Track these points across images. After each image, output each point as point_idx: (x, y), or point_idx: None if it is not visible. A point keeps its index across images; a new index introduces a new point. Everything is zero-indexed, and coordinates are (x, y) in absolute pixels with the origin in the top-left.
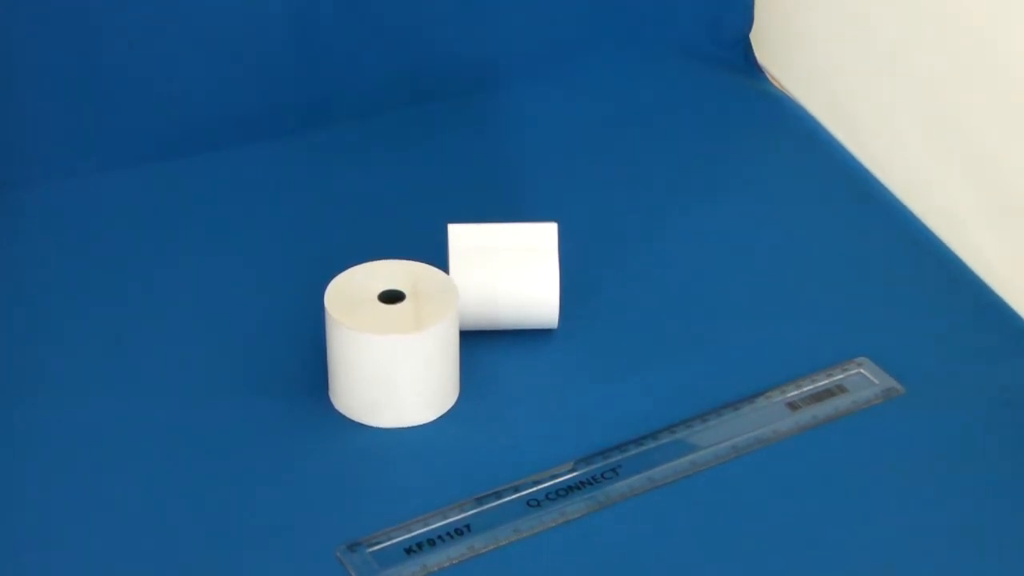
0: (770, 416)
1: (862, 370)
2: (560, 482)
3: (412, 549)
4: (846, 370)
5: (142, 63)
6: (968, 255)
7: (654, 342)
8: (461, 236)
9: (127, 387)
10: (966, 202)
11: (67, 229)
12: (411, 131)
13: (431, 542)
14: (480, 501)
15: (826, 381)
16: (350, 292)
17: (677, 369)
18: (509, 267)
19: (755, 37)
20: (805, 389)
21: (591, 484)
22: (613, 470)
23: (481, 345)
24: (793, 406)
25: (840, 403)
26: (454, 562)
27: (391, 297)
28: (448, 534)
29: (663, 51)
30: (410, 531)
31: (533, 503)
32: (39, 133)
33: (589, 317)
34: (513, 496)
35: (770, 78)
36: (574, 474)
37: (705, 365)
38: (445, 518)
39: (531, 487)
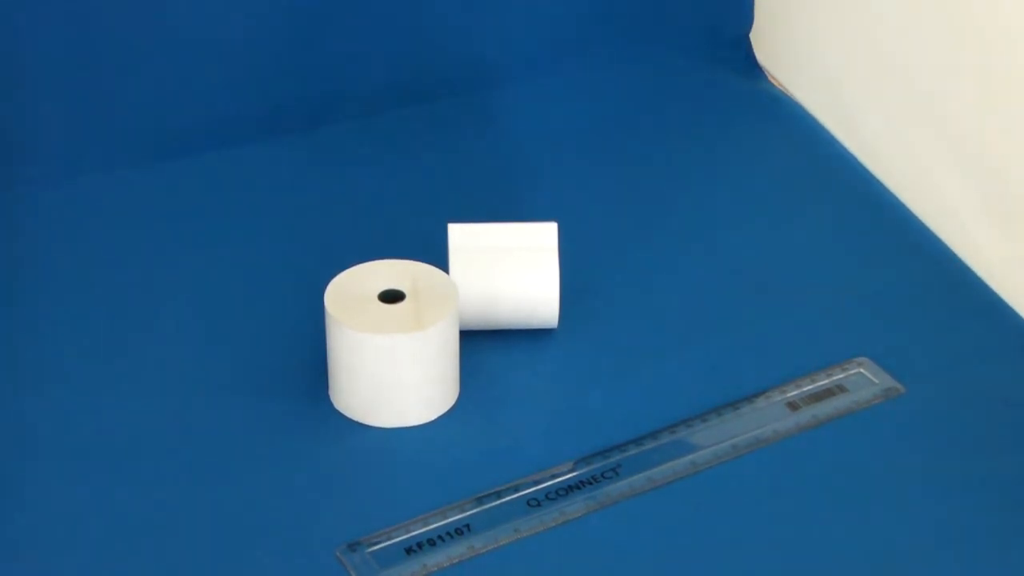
0: (770, 416)
1: (862, 370)
2: (560, 482)
3: (412, 549)
4: (846, 370)
5: (142, 63)
6: (968, 255)
7: (654, 342)
8: (461, 236)
9: (127, 387)
10: (966, 202)
11: (67, 229)
12: (411, 131)
13: (431, 542)
14: (480, 501)
15: (826, 381)
16: (350, 292)
17: (677, 369)
18: (509, 267)
19: (755, 37)
20: (805, 389)
21: (591, 484)
22: (613, 470)
23: (481, 345)
24: (793, 406)
25: (840, 403)
26: (454, 562)
27: (391, 297)
28: (448, 534)
29: (663, 51)
30: (410, 531)
31: (533, 503)
32: (39, 133)
33: (589, 317)
34: (513, 496)
35: (770, 78)
36: (574, 474)
37: (705, 364)
38: (445, 518)
39: (531, 487)
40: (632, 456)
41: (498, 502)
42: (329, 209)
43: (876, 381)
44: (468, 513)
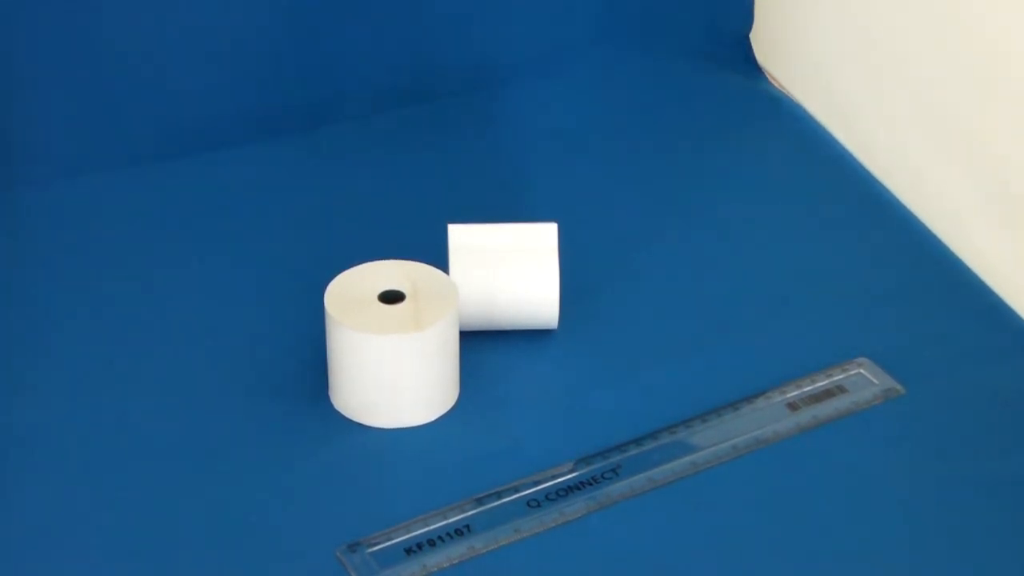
0: (770, 416)
1: (862, 370)
2: (560, 482)
3: (412, 549)
4: (846, 370)
5: (142, 63)
6: (969, 255)
7: (654, 342)
8: (461, 236)
9: (127, 387)
10: (966, 202)
11: (67, 229)
12: (411, 131)
13: (431, 542)
14: (480, 501)
15: (826, 381)
16: (350, 292)
17: (677, 369)
18: (509, 267)
19: (755, 37)
20: (805, 389)
21: (591, 484)
22: (613, 470)
23: (481, 345)
24: (793, 406)
25: (840, 403)
26: (454, 562)
27: (391, 297)
28: (448, 534)
29: (663, 51)
30: (410, 531)
31: (533, 503)
32: (39, 133)
33: (589, 317)
34: (513, 496)
35: (770, 78)
36: (574, 474)
37: (705, 365)
38: (445, 518)
39: (531, 487)
40: (632, 456)
41: (498, 502)
42: (329, 209)
43: (876, 381)
44: (468, 513)
